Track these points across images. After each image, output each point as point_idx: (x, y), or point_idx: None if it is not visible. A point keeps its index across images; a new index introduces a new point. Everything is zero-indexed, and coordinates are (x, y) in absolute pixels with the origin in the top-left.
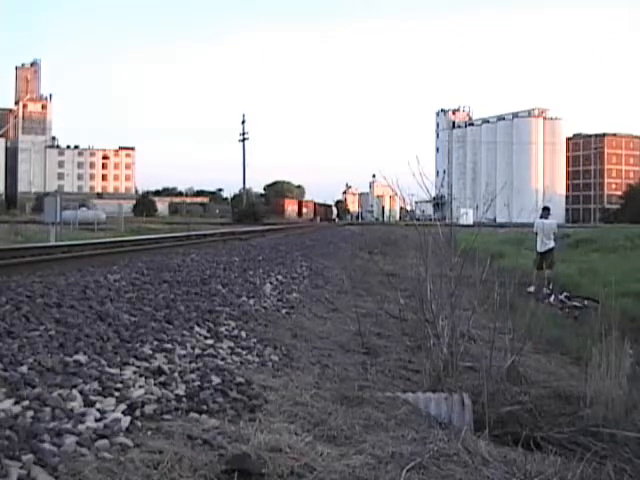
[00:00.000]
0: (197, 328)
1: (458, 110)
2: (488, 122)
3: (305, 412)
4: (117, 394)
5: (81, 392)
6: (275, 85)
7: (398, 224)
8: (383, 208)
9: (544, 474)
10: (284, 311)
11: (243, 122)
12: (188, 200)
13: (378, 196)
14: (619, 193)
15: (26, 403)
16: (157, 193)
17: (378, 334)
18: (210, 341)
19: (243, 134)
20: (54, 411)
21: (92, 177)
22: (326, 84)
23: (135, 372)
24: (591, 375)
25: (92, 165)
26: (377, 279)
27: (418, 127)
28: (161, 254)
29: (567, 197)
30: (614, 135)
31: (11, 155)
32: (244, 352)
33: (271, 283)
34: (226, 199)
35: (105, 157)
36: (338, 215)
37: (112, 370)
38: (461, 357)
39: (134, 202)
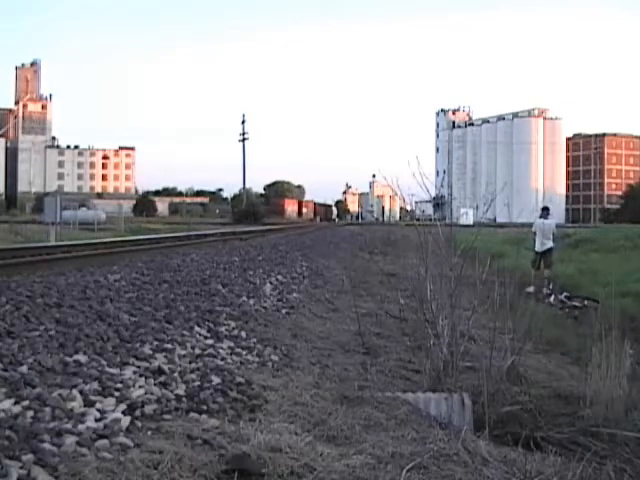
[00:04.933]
0: (197, 328)
1: (458, 110)
2: (488, 122)
3: (305, 412)
4: (117, 394)
5: (81, 392)
6: (275, 85)
7: (398, 224)
8: (383, 208)
9: (544, 474)
10: (284, 311)
11: (243, 122)
12: (188, 200)
13: (378, 196)
14: (619, 193)
15: (26, 403)
16: (157, 193)
17: (378, 334)
18: (210, 341)
19: (243, 134)
20: (54, 411)
21: (92, 177)
22: (326, 84)
23: (135, 372)
24: (591, 375)
25: (92, 165)
26: (377, 279)
27: (418, 127)
28: (161, 254)
29: (567, 197)
30: (614, 135)
31: (11, 155)
32: (244, 352)
33: (271, 283)
34: (226, 199)
35: (105, 157)
36: (338, 215)
37: (112, 370)
38: (461, 357)
39: (134, 202)
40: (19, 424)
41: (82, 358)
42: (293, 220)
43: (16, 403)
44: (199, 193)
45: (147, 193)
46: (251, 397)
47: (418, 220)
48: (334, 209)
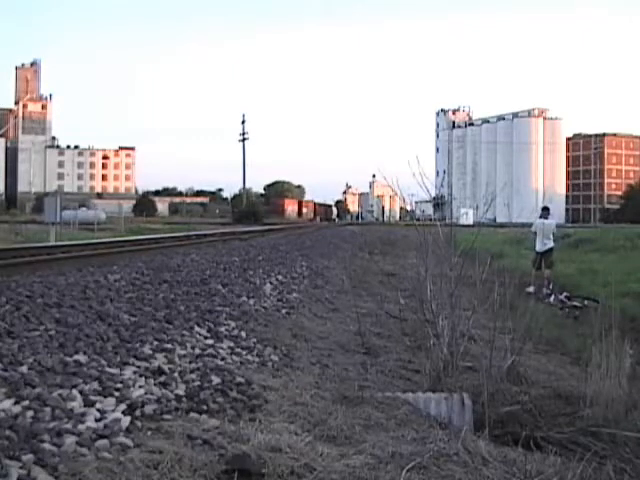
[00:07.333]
0: (197, 328)
1: (458, 110)
2: (488, 122)
3: (305, 412)
4: (117, 394)
5: (81, 392)
6: (275, 85)
7: (398, 224)
8: (383, 208)
9: (544, 474)
10: (284, 311)
11: (243, 122)
12: (188, 200)
13: (378, 196)
14: (619, 193)
15: (26, 403)
16: (157, 193)
17: (378, 334)
18: (210, 341)
19: (243, 134)
20: (54, 411)
21: (92, 177)
22: (326, 84)
23: (135, 372)
24: (591, 375)
25: (92, 165)
26: (377, 279)
27: (418, 127)
28: (161, 254)
29: (567, 197)
30: (614, 135)
31: (11, 155)
32: (244, 352)
33: (271, 283)
34: (226, 199)
35: (105, 157)
36: (338, 215)
37: (112, 370)
38: (461, 357)
39: (134, 202)
40: (19, 424)
41: (82, 358)
42: (293, 220)
43: (16, 403)
44: (199, 193)
45: (147, 193)
46: (251, 397)
47: (418, 220)
48: (334, 209)
